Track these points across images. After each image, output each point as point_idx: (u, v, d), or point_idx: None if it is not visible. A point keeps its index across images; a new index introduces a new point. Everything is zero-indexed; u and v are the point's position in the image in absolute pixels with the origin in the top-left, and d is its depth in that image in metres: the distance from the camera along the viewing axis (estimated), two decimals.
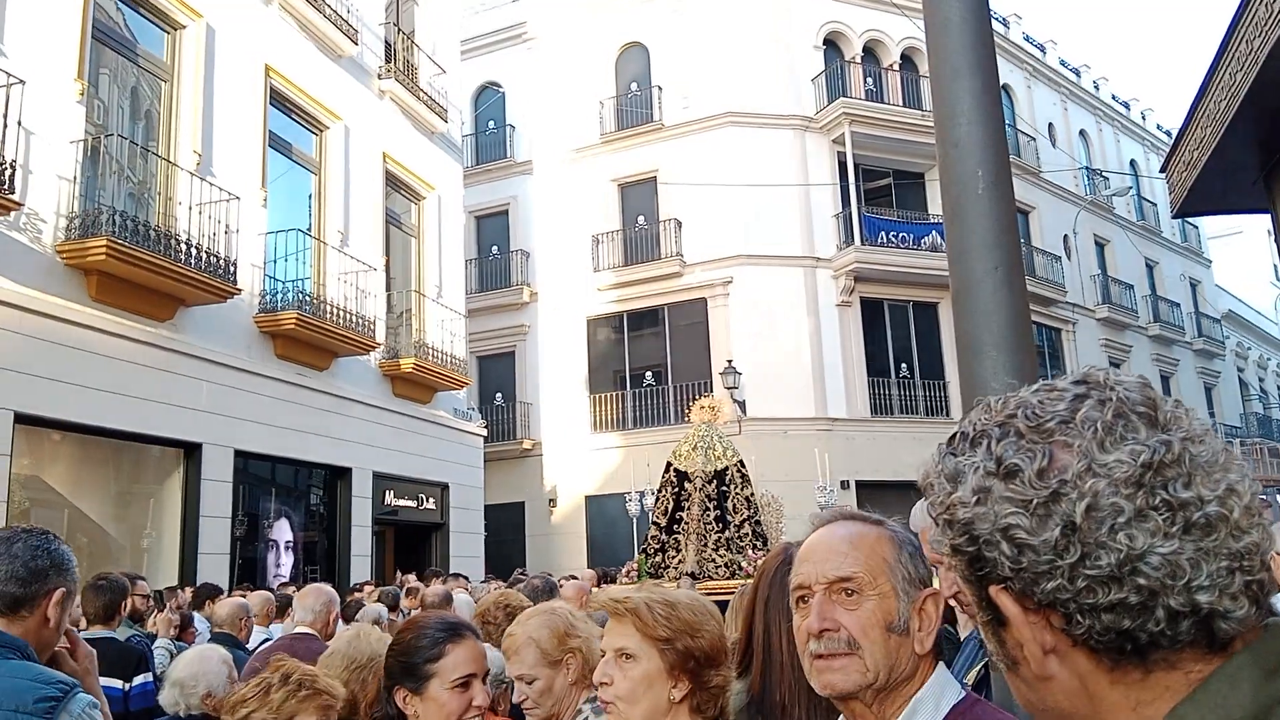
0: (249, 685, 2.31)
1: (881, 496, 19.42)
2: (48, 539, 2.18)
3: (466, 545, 16.72)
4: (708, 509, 10.57)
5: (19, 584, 2.06)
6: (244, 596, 7.55)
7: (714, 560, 10.13)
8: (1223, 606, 0.71)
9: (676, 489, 10.86)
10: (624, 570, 10.88)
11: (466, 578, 11.54)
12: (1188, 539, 0.71)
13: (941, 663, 1.52)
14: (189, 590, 9.82)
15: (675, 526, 10.67)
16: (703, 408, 11.68)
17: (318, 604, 4.66)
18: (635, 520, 17.18)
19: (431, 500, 16.02)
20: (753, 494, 10.84)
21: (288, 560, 12.91)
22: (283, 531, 12.98)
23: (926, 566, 1.52)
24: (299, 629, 4.64)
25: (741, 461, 11.05)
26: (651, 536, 10.88)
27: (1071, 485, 0.73)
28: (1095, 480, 0.72)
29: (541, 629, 2.48)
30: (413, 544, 16.24)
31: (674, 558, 10.43)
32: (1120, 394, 0.77)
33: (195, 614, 7.29)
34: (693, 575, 9.71)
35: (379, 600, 8.45)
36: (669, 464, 11.16)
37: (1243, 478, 0.75)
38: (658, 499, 11.02)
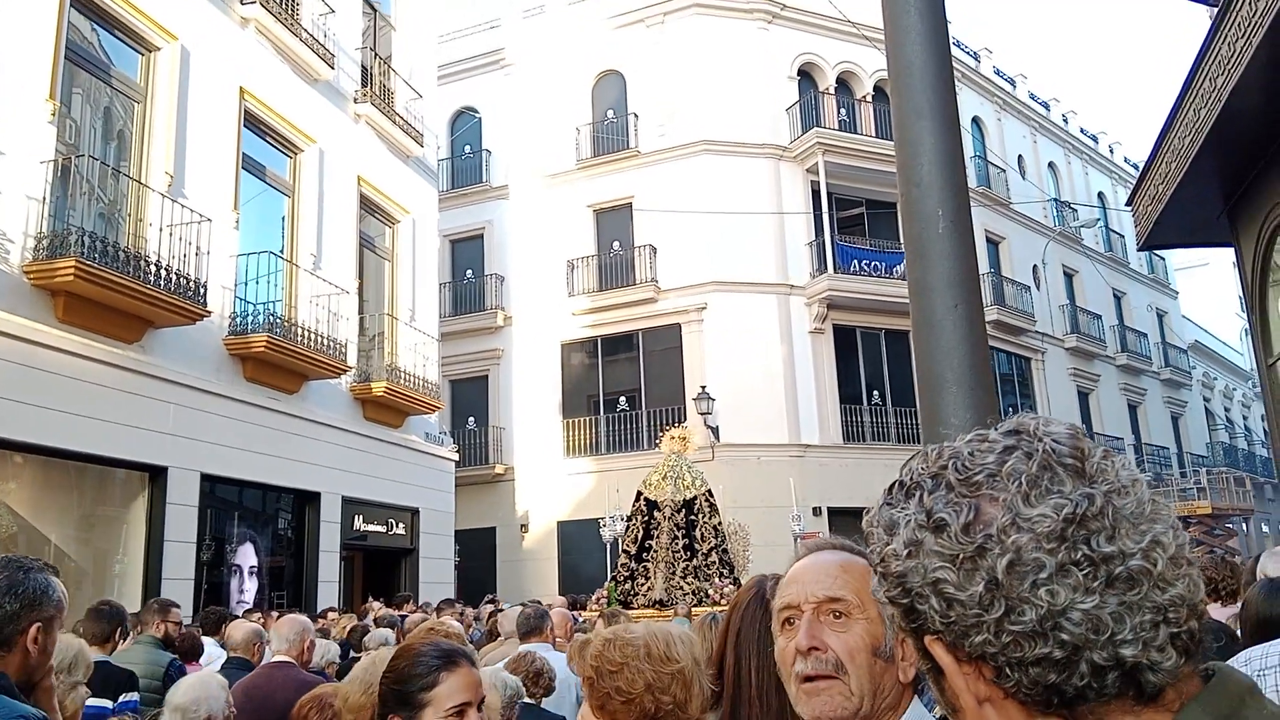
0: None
1: (854, 523, 19.30)
2: (21, 576, 2.19)
3: (437, 571, 16.58)
4: (676, 537, 10.70)
5: None
6: (259, 621, 7.58)
7: (681, 588, 10.25)
8: (1148, 659, 0.71)
9: (646, 517, 10.97)
10: (593, 598, 10.95)
11: (452, 602, 11.45)
12: (1110, 593, 0.71)
13: (917, 696, 1.50)
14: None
15: (645, 554, 10.78)
16: (672, 438, 11.83)
17: (292, 633, 4.84)
18: (609, 546, 17.12)
19: (401, 525, 15.89)
20: (720, 523, 11.00)
21: (253, 586, 12.74)
22: (248, 557, 12.82)
23: None
24: (278, 657, 4.77)
25: (710, 491, 11.21)
26: (621, 564, 10.98)
27: (995, 540, 0.73)
28: (1019, 535, 0.72)
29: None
30: (382, 570, 16.08)
31: (643, 585, 10.52)
32: (1048, 445, 0.77)
33: (205, 638, 7.24)
34: (660, 603, 9.78)
35: (351, 627, 8.43)
36: (639, 493, 11.29)
37: (1169, 529, 0.75)
38: (629, 527, 11.15)
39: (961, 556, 0.74)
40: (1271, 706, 0.74)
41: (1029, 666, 0.72)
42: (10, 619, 2.14)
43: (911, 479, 0.82)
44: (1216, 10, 6.97)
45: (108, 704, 4.71)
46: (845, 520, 19.83)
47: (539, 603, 7.93)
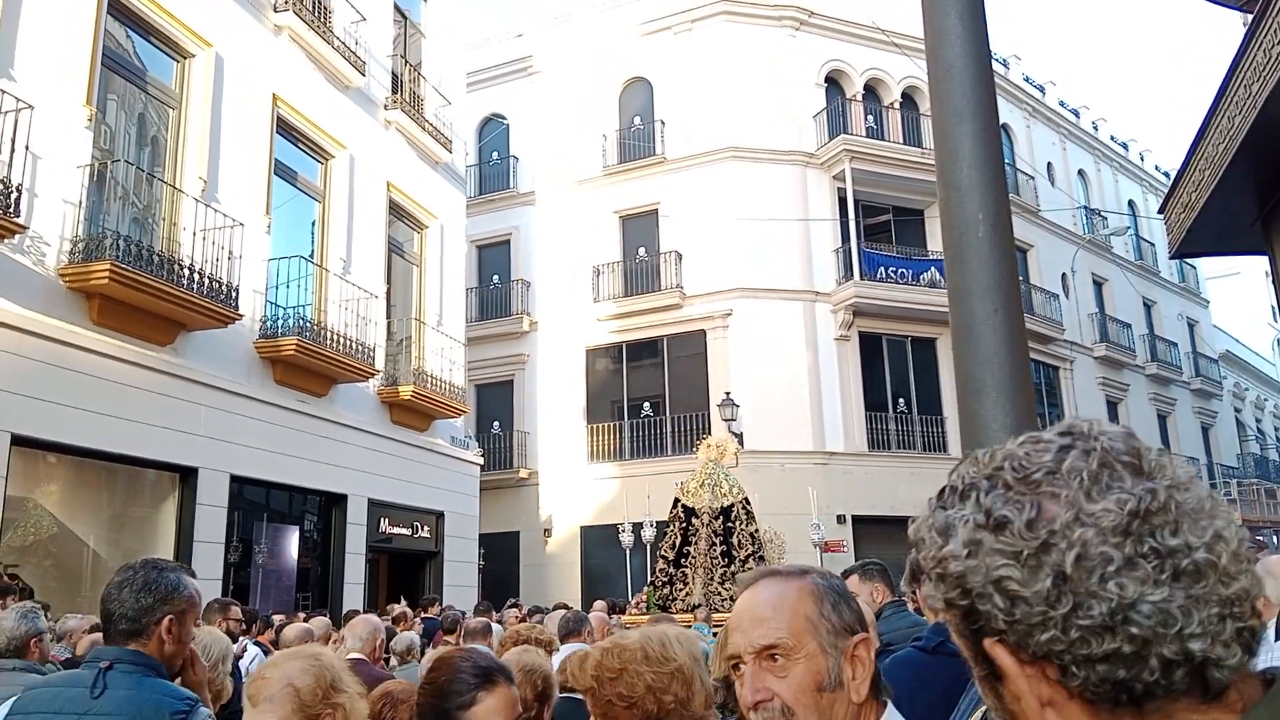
0: None
1: (878, 531, 19.37)
2: (155, 574, 2.53)
3: (461, 574, 16.64)
4: (714, 544, 10.91)
5: (129, 621, 2.47)
6: (306, 621, 7.86)
7: (719, 593, 10.39)
8: (1215, 654, 0.71)
9: (685, 524, 11.17)
10: (634, 602, 11.23)
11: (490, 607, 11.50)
12: (1177, 587, 0.71)
13: (890, 704, 1.50)
14: None
15: (683, 560, 10.97)
16: (709, 446, 11.92)
17: (365, 632, 5.28)
18: (628, 551, 17.12)
19: (426, 528, 15.96)
20: (757, 530, 11.19)
21: (281, 587, 12.83)
22: (276, 558, 12.92)
23: (854, 610, 1.48)
24: (351, 655, 4.98)
25: (746, 499, 11.40)
26: (660, 570, 11.17)
27: (1060, 535, 0.73)
28: (1083, 530, 0.72)
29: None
30: (407, 572, 16.16)
31: (682, 590, 10.74)
32: (1105, 443, 0.77)
33: (244, 638, 7.38)
34: (698, 607, 9.89)
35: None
36: (677, 500, 11.48)
37: (1229, 524, 0.74)
38: (667, 533, 11.32)
39: (1026, 553, 0.73)
40: None
41: (1097, 663, 0.71)
42: (146, 611, 2.45)
43: (964, 482, 0.81)
44: (1252, 17, 6.90)
45: None
46: (870, 528, 19.74)
47: (567, 606, 8.03)
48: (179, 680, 2.55)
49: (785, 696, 1.38)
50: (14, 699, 2.55)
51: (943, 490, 0.84)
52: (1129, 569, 0.71)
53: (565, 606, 10.93)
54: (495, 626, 8.24)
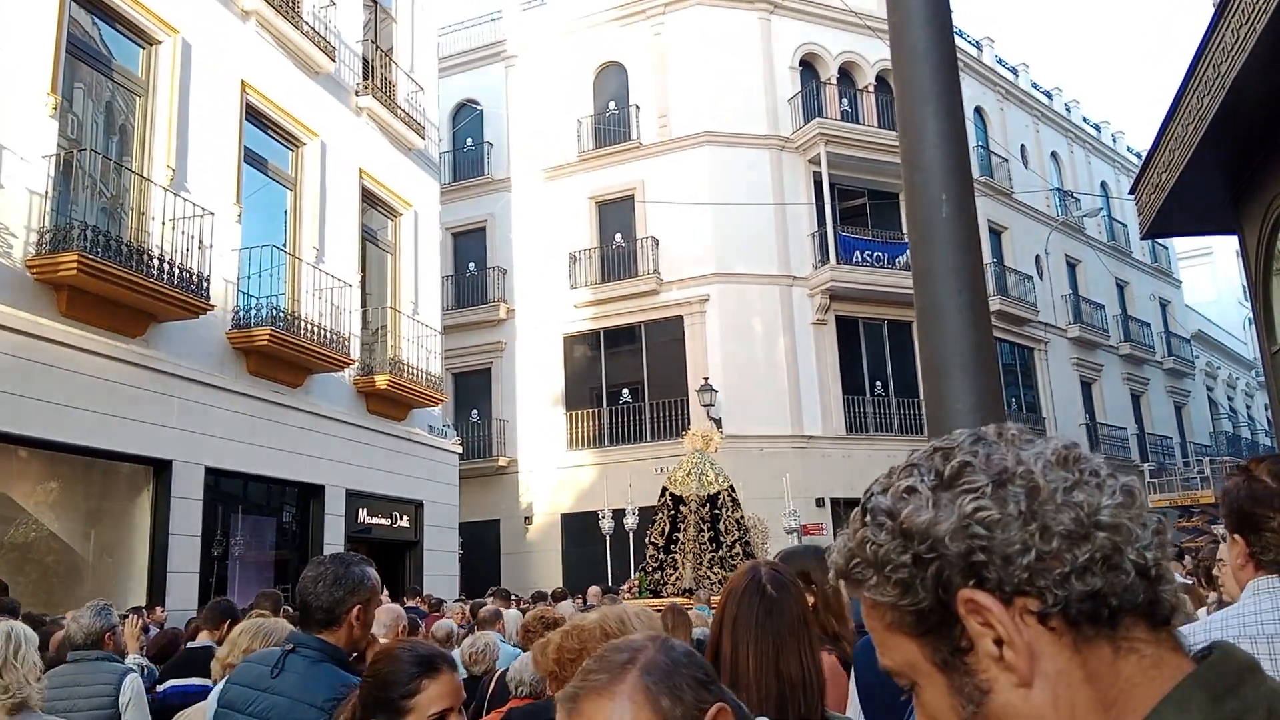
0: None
1: None
2: (344, 569, 2.83)
3: (441, 563, 16.61)
4: (702, 530, 11.33)
5: (324, 612, 2.77)
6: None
7: (708, 577, 10.80)
8: (1165, 570, 0.77)
9: (673, 512, 11.58)
10: (626, 587, 11.65)
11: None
12: (1120, 504, 0.77)
13: None
14: (160, 610, 9.72)
15: (672, 546, 11.45)
16: (695, 436, 12.42)
17: (389, 619, 5.44)
18: (608, 538, 17.13)
19: (405, 518, 15.91)
20: (742, 516, 11.65)
21: (259, 579, 12.76)
22: (254, 550, 12.84)
23: (695, 677, 1.25)
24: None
25: (732, 487, 11.78)
26: (650, 556, 11.58)
27: (1011, 471, 0.78)
28: (1030, 464, 0.78)
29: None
30: (386, 563, 16.10)
31: (672, 575, 11.21)
32: (1010, 432, 0.84)
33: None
34: (689, 591, 10.23)
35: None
36: (665, 489, 11.86)
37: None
38: (656, 521, 11.72)
39: (991, 485, 0.77)
40: (1271, 683, 0.74)
41: (1076, 576, 0.74)
42: (339, 603, 2.76)
43: (906, 462, 0.85)
44: None
45: (209, 682, 5.05)
46: (848, 511, 19.75)
47: (545, 596, 8.08)
48: (364, 660, 2.82)
49: None
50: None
51: (888, 472, 0.85)
52: (1080, 486, 0.77)
53: (543, 597, 10.98)
54: (511, 612, 8.41)
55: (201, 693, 4.52)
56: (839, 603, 2.78)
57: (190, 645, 6.07)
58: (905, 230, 2.12)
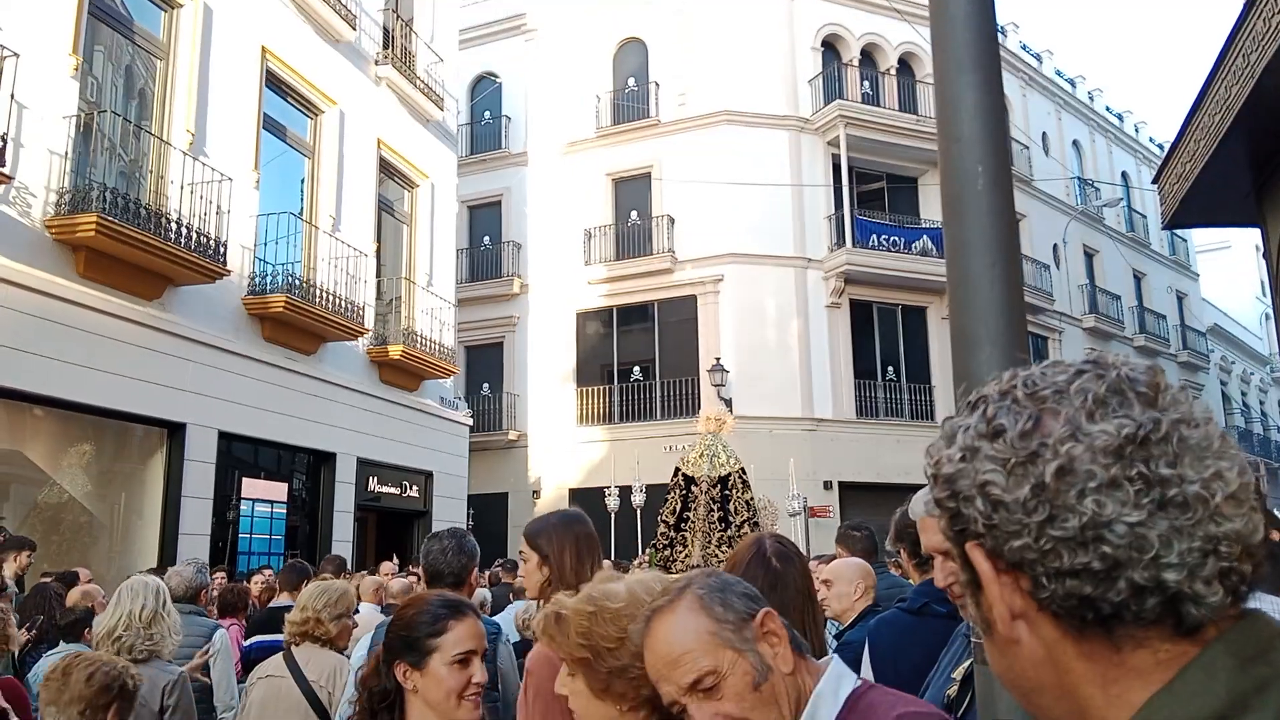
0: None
1: (863, 497, 19.51)
2: (462, 540, 3.65)
3: None
4: (712, 510, 11.56)
5: (453, 576, 3.53)
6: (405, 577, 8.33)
7: (717, 556, 10.90)
8: (1192, 589, 0.71)
9: (684, 491, 11.82)
10: (636, 563, 11.73)
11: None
12: (1160, 515, 0.71)
13: (836, 655, 1.57)
14: (268, 571, 9.70)
15: (683, 525, 11.73)
16: (708, 419, 12.50)
17: (397, 590, 6.09)
18: (614, 515, 17.19)
19: (415, 488, 15.99)
20: (752, 498, 11.86)
21: (268, 544, 12.84)
22: (264, 515, 12.91)
23: (741, 591, 1.51)
24: None
25: (743, 469, 11.95)
26: (661, 533, 11.86)
27: (1050, 449, 0.73)
28: (1074, 445, 0.73)
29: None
30: (395, 531, 16.21)
31: (681, 552, 11.47)
32: (1124, 372, 0.77)
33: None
34: (696, 568, 10.52)
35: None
36: (677, 469, 12.09)
37: (1235, 465, 0.74)
38: (668, 499, 11.99)
39: (1014, 461, 0.75)
40: None
41: (1066, 577, 0.72)
42: (464, 568, 3.57)
43: (978, 395, 0.82)
44: None
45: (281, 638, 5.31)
46: (856, 495, 19.87)
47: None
48: None
49: (733, 712, 1.41)
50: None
51: (963, 403, 0.85)
52: (1111, 489, 0.71)
53: None
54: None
55: (278, 647, 4.71)
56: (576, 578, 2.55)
57: (272, 605, 6.56)
58: (932, 211, 2.10)
